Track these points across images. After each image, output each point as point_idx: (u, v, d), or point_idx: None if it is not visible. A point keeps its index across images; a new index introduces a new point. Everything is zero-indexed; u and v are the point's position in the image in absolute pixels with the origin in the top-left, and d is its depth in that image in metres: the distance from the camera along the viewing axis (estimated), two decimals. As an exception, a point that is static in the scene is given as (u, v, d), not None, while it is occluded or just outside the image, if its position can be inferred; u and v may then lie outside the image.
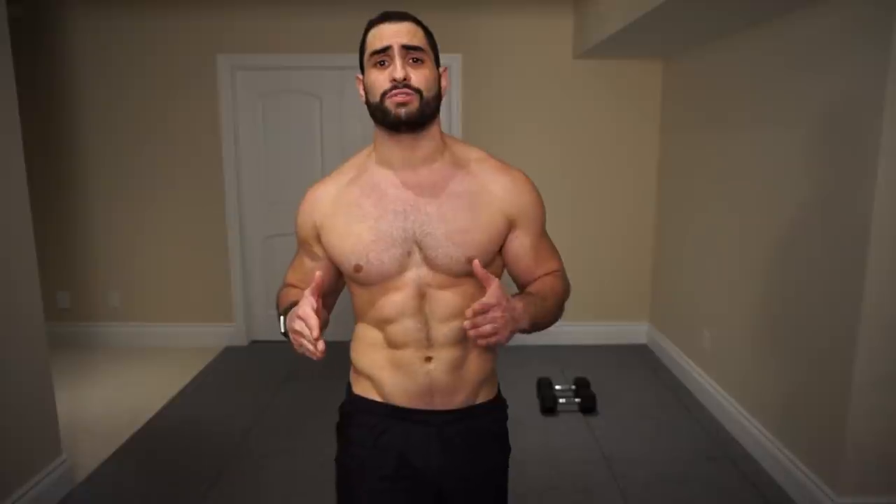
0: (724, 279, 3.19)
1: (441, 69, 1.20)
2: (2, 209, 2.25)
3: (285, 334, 1.18)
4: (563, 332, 4.29)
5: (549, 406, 3.25)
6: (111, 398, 3.49)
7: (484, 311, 1.04)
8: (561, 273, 1.32)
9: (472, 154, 1.26)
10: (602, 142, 4.17)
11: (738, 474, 2.71)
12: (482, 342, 1.06)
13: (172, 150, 4.16)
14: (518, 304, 1.11)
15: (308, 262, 1.32)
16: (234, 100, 4.14)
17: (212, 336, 4.33)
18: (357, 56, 1.22)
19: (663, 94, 4.09)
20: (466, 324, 1.05)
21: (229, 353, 4.21)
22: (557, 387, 3.48)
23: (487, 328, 1.05)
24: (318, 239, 1.26)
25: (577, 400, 3.33)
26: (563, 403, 3.33)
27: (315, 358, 1.09)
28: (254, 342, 4.41)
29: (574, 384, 3.47)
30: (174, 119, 4.13)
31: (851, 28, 2.20)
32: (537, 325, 1.17)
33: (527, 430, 3.06)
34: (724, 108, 3.21)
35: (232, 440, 3.00)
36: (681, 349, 3.79)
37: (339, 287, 1.36)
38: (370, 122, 1.20)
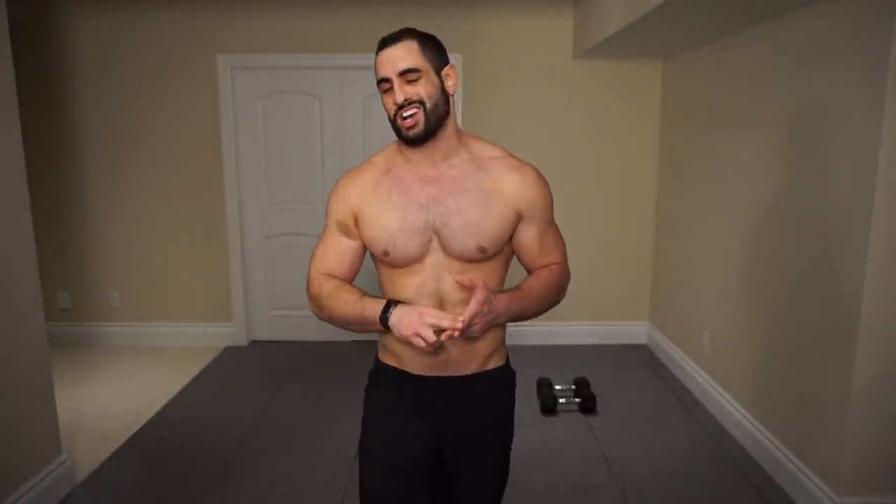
0: (724, 279, 3.19)
1: (447, 68, 1.32)
2: (2, 209, 2.25)
3: (385, 318, 1.28)
4: (563, 332, 4.31)
5: (548, 406, 3.24)
6: (111, 398, 3.49)
7: (471, 320, 1.23)
8: (560, 265, 1.46)
9: (489, 152, 1.38)
10: (602, 142, 4.17)
11: (738, 474, 2.71)
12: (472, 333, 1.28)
13: (172, 151, 4.16)
14: (500, 305, 1.30)
15: (345, 242, 1.41)
16: (234, 100, 4.14)
17: (212, 336, 4.33)
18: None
19: (663, 94, 4.09)
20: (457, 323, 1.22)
21: (229, 353, 4.21)
22: (557, 387, 3.48)
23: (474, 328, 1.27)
24: (356, 221, 1.38)
25: (576, 400, 3.33)
26: (562, 403, 3.33)
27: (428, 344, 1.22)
28: (254, 342, 4.41)
29: (574, 384, 3.47)
30: (174, 119, 4.13)
31: (851, 28, 2.20)
32: (520, 318, 1.37)
33: (527, 430, 3.06)
34: (724, 108, 3.21)
35: (232, 440, 3.00)
36: (681, 349, 3.79)
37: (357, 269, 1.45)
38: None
